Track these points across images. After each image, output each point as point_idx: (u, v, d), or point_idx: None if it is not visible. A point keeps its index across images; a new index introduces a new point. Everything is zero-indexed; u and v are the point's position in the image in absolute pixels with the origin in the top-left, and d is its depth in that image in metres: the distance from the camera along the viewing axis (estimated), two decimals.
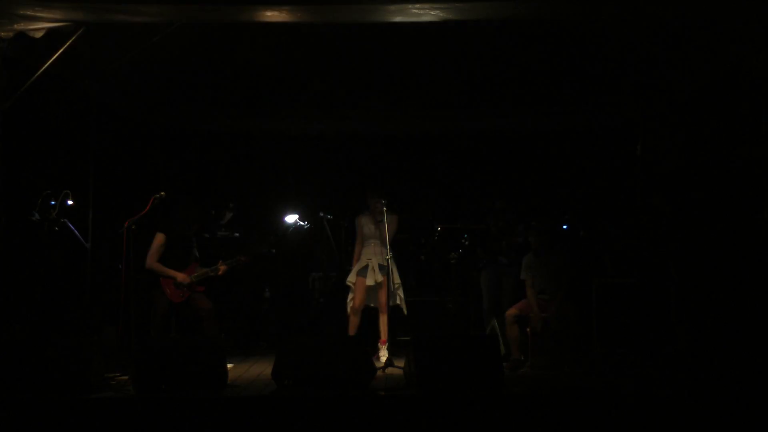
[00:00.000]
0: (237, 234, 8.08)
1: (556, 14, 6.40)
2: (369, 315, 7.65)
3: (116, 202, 7.69)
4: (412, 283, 8.56)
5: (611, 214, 8.51)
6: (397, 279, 6.97)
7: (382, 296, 6.92)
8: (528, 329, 6.65)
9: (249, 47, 7.63)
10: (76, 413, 4.86)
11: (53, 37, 5.95)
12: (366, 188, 7.31)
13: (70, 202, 6.57)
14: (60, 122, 7.19)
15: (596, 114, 8.89)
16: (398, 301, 7.05)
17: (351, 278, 7.10)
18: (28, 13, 5.52)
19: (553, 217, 8.03)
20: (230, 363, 6.14)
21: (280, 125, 9.24)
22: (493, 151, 9.51)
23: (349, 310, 7.12)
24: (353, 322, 7.04)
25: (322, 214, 8.17)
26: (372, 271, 6.95)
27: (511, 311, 6.80)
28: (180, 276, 6.55)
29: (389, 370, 6.22)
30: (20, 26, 5.58)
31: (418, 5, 5.56)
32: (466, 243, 7.63)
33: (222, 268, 6.75)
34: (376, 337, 7.07)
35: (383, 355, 6.71)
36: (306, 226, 8.35)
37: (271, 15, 5.79)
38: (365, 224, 7.17)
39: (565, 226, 7.32)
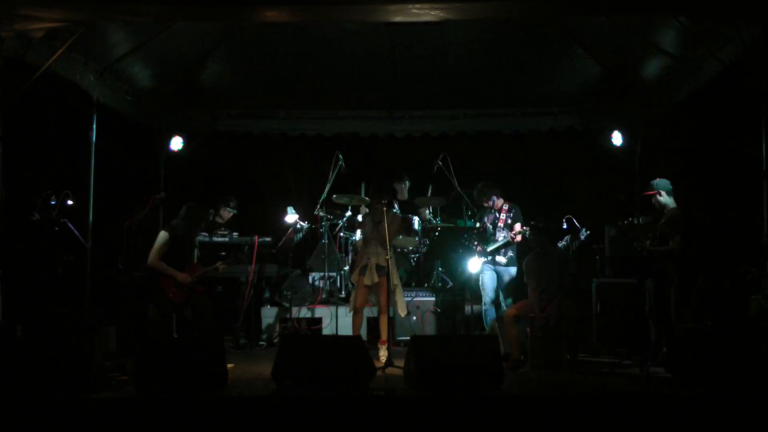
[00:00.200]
0: (236, 234, 8.08)
1: (555, 14, 6.40)
2: (369, 315, 7.68)
3: (116, 202, 7.68)
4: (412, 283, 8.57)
5: (611, 214, 8.50)
6: (395, 280, 6.95)
7: (382, 296, 6.91)
8: (528, 329, 6.64)
9: (249, 47, 7.64)
10: (76, 413, 4.84)
11: (53, 37, 5.96)
12: (366, 188, 7.31)
13: (70, 202, 6.56)
14: (60, 122, 7.19)
15: (596, 114, 8.90)
16: (397, 302, 7.01)
17: (354, 276, 7.12)
18: (28, 13, 5.53)
19: (553, 217, 8.00)
20: (230, 363, 6.13)
21: (280, 125, 9.24)
22: (494, 151, 9.50)
23: (350, 309, 7.13)
24: (354, 322, 7.03)
25: (322, 214, 8.19)
26: (370, 271, 6.95)
27: (511, 311, 6.79)
28: (181, 276, 6.55)
29: (389, 370, 6.21)
30: (20, 26, 5.59)
31: (418, 5, 5.56)
32: (467, 243, 7.60)
33: (222, 267, 6.77)
34: (376, 337, 7.07)
35: (383, 355, 6.70)
36: (306, 226, 8.34)
37: (272, 15, 5.80)
38: (367, 224, 7.17)
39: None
